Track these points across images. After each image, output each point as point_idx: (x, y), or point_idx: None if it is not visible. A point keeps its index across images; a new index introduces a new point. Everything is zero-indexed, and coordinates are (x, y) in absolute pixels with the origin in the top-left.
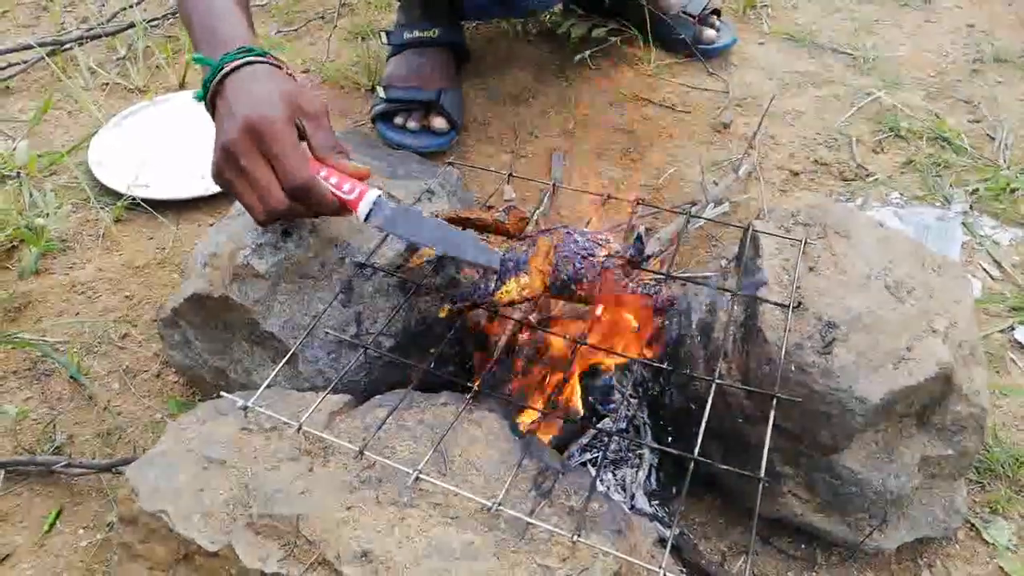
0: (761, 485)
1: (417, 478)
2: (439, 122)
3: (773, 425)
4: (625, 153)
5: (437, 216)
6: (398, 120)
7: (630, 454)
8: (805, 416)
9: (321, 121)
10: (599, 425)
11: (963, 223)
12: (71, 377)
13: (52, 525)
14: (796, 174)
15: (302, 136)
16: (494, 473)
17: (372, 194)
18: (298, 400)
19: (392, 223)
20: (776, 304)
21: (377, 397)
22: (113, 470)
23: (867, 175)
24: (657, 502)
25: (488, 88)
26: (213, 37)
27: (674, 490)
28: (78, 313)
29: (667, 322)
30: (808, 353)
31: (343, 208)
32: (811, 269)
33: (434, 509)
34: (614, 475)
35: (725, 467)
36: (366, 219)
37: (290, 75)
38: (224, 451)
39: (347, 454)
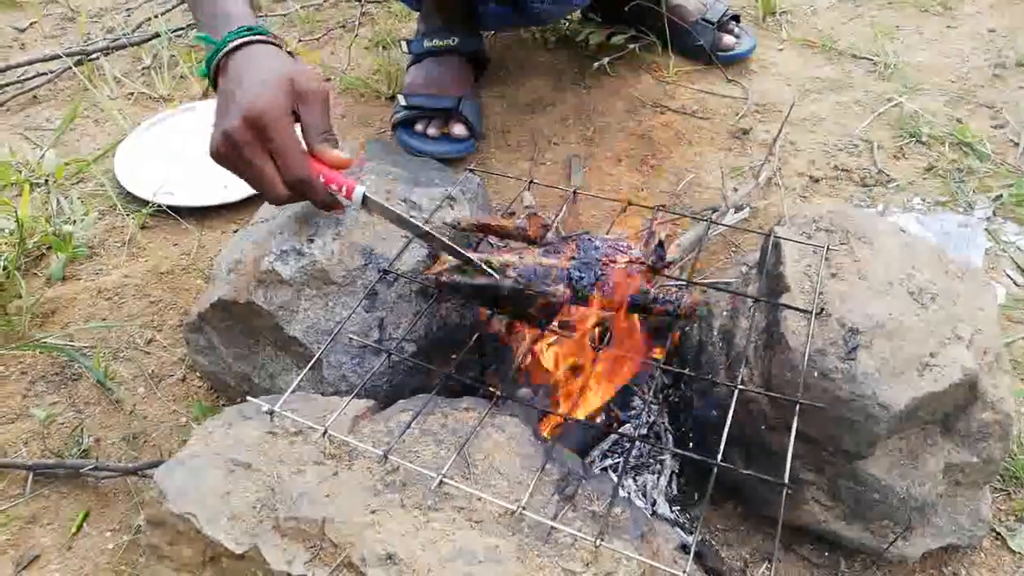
0: (785, 491)
1: (441, 482)
2: (459, 129)
3: (796, 432)
4: (644, 159)
5: (468, 222)
6: (418, 127)
7: (651, 460)
8: (828, 422)
9: (314, 105)
10: (620, 430)
11: (986, 229)
12: (97, 382)
13: (80, 527)
14: (816, 180)
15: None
16: (517, 477)
17: (358, 191)
18: (323, 405)
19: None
20: (799, 310)
21: (401, 402)
22: (139, 473)
23: (888, 181)
24: (678, 508)
25: (507, 96)
26: (215, 16)
27: (696, 496)
28: (105, 318)
29: (688, 328)
30: (831, 359)
31: (335, 204)
32: (833, 275)
33: (458, 513)
34: (635, 481)
35: (748, 473)
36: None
37: (290, 54)
38: (250, 455)
39: (371, 458)
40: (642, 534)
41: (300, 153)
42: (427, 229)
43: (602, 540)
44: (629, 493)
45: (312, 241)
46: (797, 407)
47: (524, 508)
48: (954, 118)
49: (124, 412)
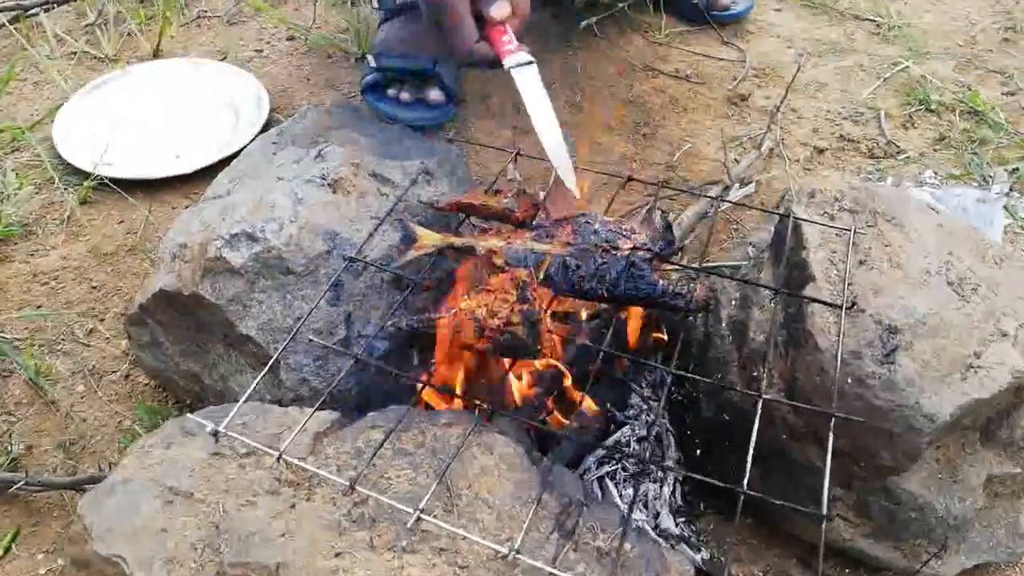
0: (824, 523)
1: (419, 518)
2: (435, 94)
3: (822, 443)
4: (636, 128)
5: (448, 201)
6: (390, 92)
7: (652, 467)
8: (863, 435)
9: None
10: (617, 436)
11: (1004, 206)
12: (30, 379)
13: (8, 548)
14: (821, 151)
15: None
16: (509, 510)
17: (508, 61)
18: (279, 417)
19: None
20: (828, 304)
21: (371, 415)
22: (77, 488)
23: (898, 152)
24: (683, 520)
25: None
26: None
27: (702, 505)
28: (40, 306)
29: (692, 318)
30: (868, 363)
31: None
32: (862, 263)
33: (439, 555)
34: (635, 490)
35: (781, 503)
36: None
37: None
38: (192, 481)
39: (335, 486)
40: (657, 574)
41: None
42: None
43: None
44: (631, 505)
45: (267, 224)
46: (832, 421)
47: (518, 552)
48: (964, 84)
49: (60, 414)
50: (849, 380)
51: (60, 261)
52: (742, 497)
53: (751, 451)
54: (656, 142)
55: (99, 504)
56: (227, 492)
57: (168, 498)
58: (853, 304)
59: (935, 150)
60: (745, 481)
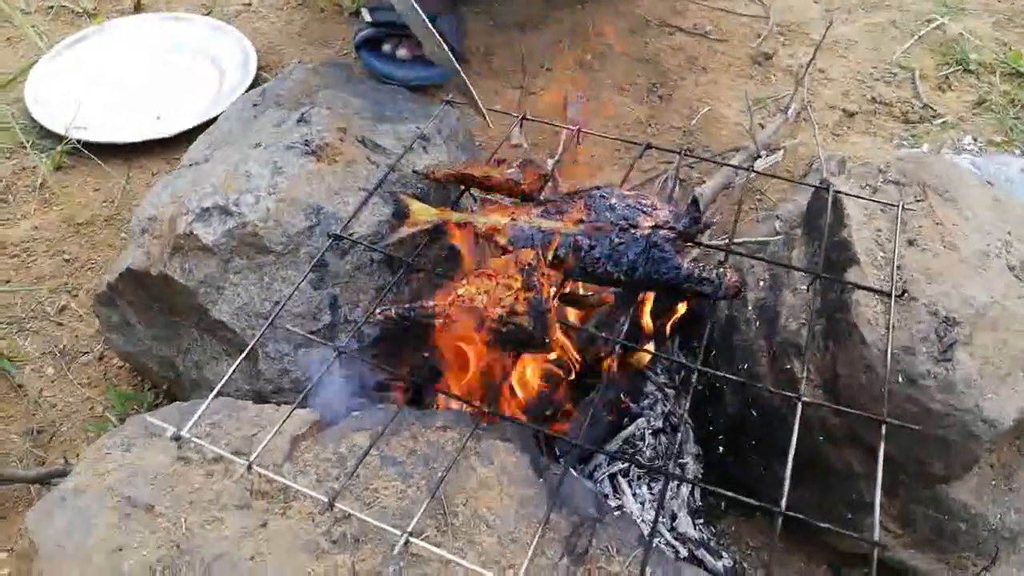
0: (876, 551)
1: (407, 541)
2: None
3: (864, 447)
4: (652, 89)
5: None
6: (386, 48)
7: (668, 462)
8: (913, 441)
9: None
10: (631, 429)
11: None
12: None
13: None
14: (851, 115)
15: None
16: (511, 531)
17: None
18: (254, 417)
19: None
20: (875, 291)
21: (355, 416)
22: (44, 483)
23: (934, 116)
24: (702, 521)
25: (492, 13)
26: None
27: (722, 505)
28: (8, 280)
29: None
30: (922, 360)
31: None
32: (911, 243)
33: None
34: (649, 488)
35: (826, 526)
36: None
37: None
38: (152, 492)
39: (314, 500)
40: None
41: None
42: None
43: None
44: (643, 503)
45: (241, 196)
46: (883, 428)
47: None
48: (1004, 43)
49: (29, 399)
50: (900, 379)
51: (31, 232)
52: (780, 519)
53: (790, 465)
54: (673, 104)
55: (48, 517)
56: (191, 505)
57: (126, 510)
58: (904, 292)
59: (974, 114)
60: (783, 501)
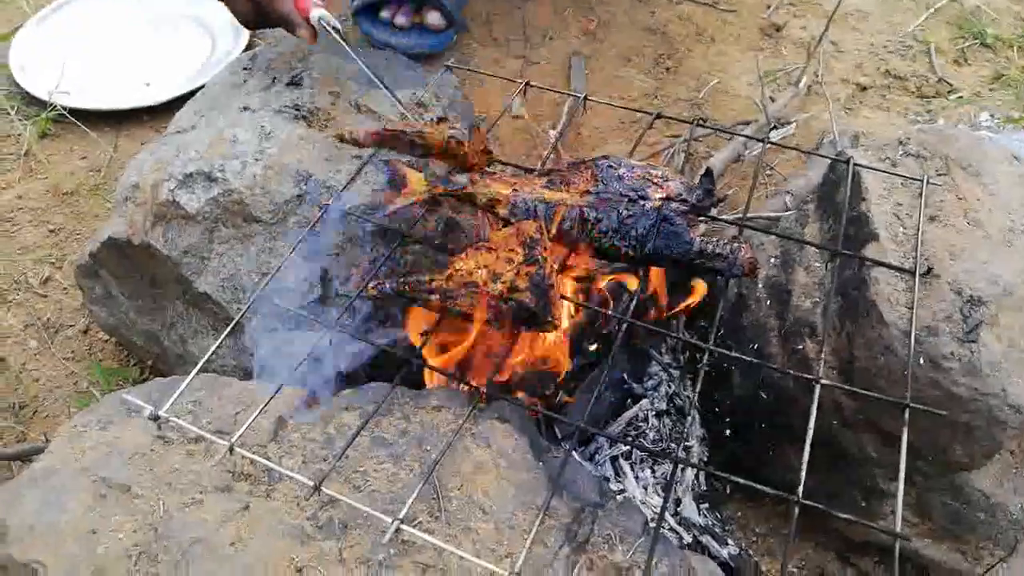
0: (898, 543)
1: (399, 528)
2: (434, 17)
3: (880, 432)
4: (658, 60)
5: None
6: (384, 14)
7: (672, 444)
8: (933, 426)
9: None
10: (634, 411)
11: None
12: None
13: None
14: (864, 89)
15: None
16: (509, 518)
17: (314, 14)
18: (238, 394)
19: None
20: (896, 269)
21: (345, 394)
22: (23, 460)
23: (950, 91)
24: (706, 506)
25: None
26: None
27: (727, 489)
28: None
29: (719, 277)
30: (945, 341)
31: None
32: (933, 219)
33: (423, 574)
34: (652, 471)
35: (846, 516)
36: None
37: None
38: (129, 472)
39: (299, 483)
40: None
41: None
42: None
43: None
44: (646, 487)
45: (227, 162)
46: (906, 412)
47: (519, 574)
48: (1022, 17)
49: (11, 372)
50: (922, 361)
51: (15, 201)
52: (797, 510)
53: (807, 451)
54: (680, 76)
55: (18, 497)
56: (170, 487)
57: (101, 491)
58: (929, 270)
59: (991, 89)
60: (800, 489)
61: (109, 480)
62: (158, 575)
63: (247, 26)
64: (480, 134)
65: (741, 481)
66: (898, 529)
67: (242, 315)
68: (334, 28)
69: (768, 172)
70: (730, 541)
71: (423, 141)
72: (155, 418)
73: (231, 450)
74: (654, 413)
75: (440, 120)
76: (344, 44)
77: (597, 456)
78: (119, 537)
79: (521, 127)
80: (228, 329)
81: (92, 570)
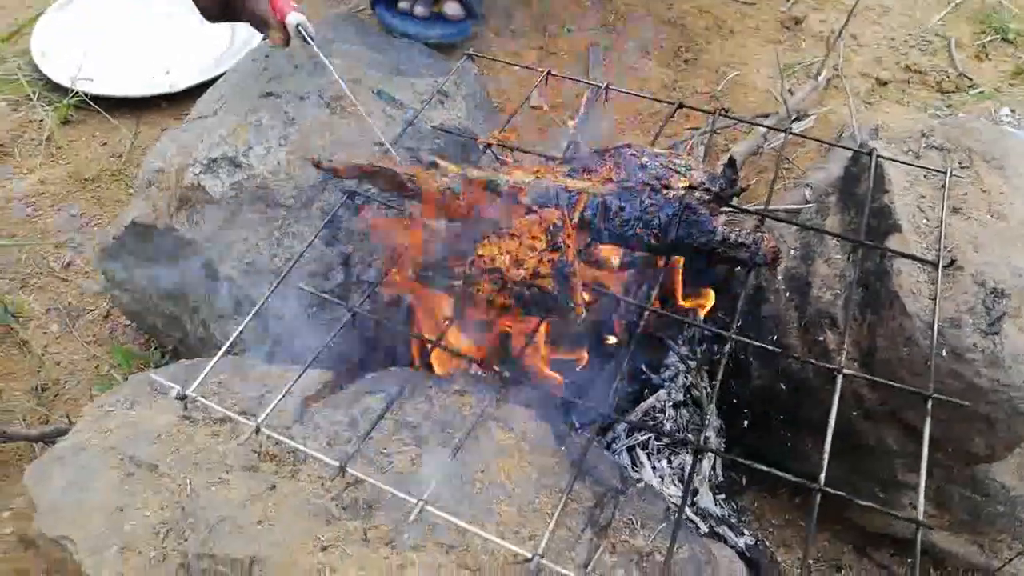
0: (920, 531)
1: (423, 509)
2: (452, 8)
3: (900, 423)
4: (676, 52)
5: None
6: (402, 5)
7: (689, 435)
8: (954, 418)
9: None
10: (652, 400)
11: None
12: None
13: None
14: (884, 83)
15: None
16: (532, 500)
17: (291, 19)
18: (262, 376)
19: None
20: (919, 260)
21: (369, 377)
22: (46, 441)
23: (970, 86)
24: (723, 497)
25: None
26: None
27: (743, 480)
28: (13, 235)
29: (737, 269)
30: (968, 333)
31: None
32: (956, 211)
33: (446, 554)
34: (669, 462)
35: (866, 504)
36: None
37: None
38: (156, 451)
39: (324, 464)
40: None
41: None
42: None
43: None
44: (662, 477)
45: (251, 147)
46: (929, 403)
47: (542, 555)
48: None
49: (32, 356)
50: (944, 353)
51: (37, 186)
52: (818, 497)
53: (828, 439)
54: (698, 69)
55: (47, 475)
56: (196, 466)
57: (128, 470)
58: (953, 261)
59: (1012, 85)
60: (822, 476)
61: (136, 459)
62: (186, 552)
63: (209, 19)
64: (477, 187)
65: (763, 468)
66: (920, 517)
67: (266, 299)
68: (310, 36)
69: (786, 166)
70: (746, 531)
71: (414, 186)
72: (182, 398)
73: (257, 431)
74: (671, 404)
75: (433, 165)
76: (321, 55)
77: (614, 446)
78: (146, 514)
79: (539, 118)
80: (252, 313)
81: (120, 546)
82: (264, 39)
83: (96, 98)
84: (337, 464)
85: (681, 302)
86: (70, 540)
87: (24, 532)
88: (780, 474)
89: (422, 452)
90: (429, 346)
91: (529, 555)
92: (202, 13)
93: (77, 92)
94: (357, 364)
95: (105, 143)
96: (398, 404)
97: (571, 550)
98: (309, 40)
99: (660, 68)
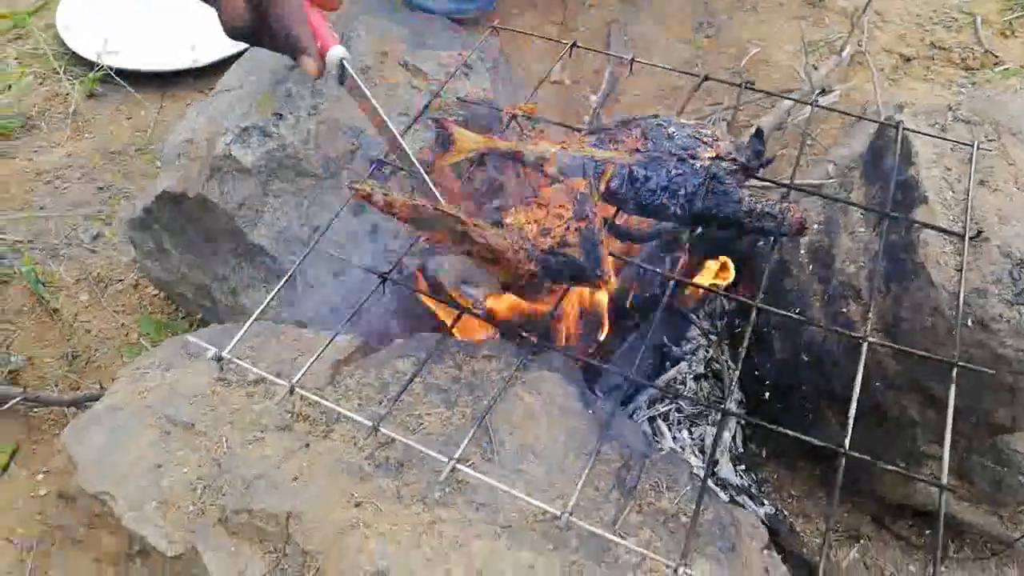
0: (943, 495)
1: (454, 468)
2: None
3: (923, 393)
4: (698, 28)
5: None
6: None
7: (709, 408)
8: (978, 388)
9: None
10: (673, 372)
11: None
12: (30, 285)
13: (6, 467)
14: (908, 60)
15: None
16: (560, 461)
17: (333, 53)
18: (294, 341)
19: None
20: (945, 232)
21: (399, 342)
22: (78, 406)
23: (996, 63)
24: (743, 467)
25: None
26: None
27: (763, 452)
28: (43, 207)
29: (760, 242)
30: (994, 303)
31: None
32: (983, 183)
33: (476, 511)
34: (690, 433)
35: (891, 468)
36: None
37: None
38: (192, 410)
39: (356, 424)
40: (732, 544)
41: None
42: (400, 139)
43: (685, 565)
44: (683, 448)
45: (281, 117)
46: (954, 371)
47: (571, 513)
48: None
49: (63, 324)
50: (970, 323)
51: (65, 159)
52: (843, 461)
53: (854, 405)
54: (721, 45)
55: (85, 435)
56: (232, 425)
57: (165, 428)
58: (979, 232)
59: None
60: (847, 440)
61: (172, 418)
62: (224, 506)
63: (233, 36)
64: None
65: (788, 432)
66: (944, 481)
67: (296, 267)
68: (351, 74)
69: (809, 143)
70: (766, 502)
71: (483, 242)
72: (218, 359)
73: (291, 391)
74: (692, 376)
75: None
76: (366, 92)
77: (636, 416)
78: (183, 471)
79: (560, 92)
80: (283, 280)
81: (159, 501)
82: (293, 67)
83: (121, 72)
84: (370, 424)
85: (704, 275)
86: (109, 495)
87: (64, 489)
88: (805, 437)
89: (451, 414)
90: (458, 312)
91: (558, 512)
92: (226, 30)
93: (102, 66)
94: (386, 330)
95: (130, 117)
96: (427, 368)
97: (598, 509)
98: (356, 77)
99: (681, 44)
